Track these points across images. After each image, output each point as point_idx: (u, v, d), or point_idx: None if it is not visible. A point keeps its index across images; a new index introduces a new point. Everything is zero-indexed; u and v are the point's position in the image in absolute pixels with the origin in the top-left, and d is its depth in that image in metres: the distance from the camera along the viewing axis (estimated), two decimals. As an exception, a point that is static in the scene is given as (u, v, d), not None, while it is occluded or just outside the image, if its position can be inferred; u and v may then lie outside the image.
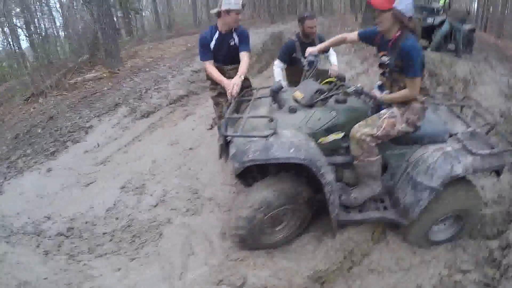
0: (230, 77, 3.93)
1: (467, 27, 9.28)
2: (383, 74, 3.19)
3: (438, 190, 3.00)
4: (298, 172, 3.18)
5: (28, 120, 8.35)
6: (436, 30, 9.32)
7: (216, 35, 4.05)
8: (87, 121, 7.45)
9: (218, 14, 3.96)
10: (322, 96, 3.17)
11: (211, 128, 6.36)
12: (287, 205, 3.15)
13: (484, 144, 3.20)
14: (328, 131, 3.04)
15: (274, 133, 2.85)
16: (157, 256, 3.49)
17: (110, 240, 3.89)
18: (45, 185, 5.39)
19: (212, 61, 4.11)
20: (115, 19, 23.29)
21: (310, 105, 3.19)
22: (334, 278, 3.19)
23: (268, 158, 2.81)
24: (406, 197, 3.13)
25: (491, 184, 4.18)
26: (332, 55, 4.75)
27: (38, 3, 20.27)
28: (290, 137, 2.90)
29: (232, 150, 3.00)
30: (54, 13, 25.50)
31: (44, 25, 21.54)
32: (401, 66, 2.84)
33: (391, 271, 3.27)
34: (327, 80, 3.48)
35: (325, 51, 4.28)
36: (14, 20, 16.84)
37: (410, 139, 3.15)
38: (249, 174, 3.34)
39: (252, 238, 3.20)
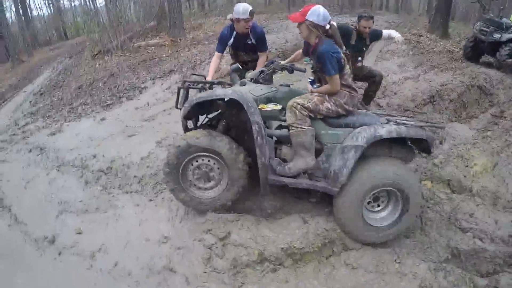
0: (243, 60, 4.88)
1: None
2: (314, 72, 3.70)
3: (363, 147, 3.22)
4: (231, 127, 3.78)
5: (93, 74, 9.38)
6: (502, 47, 8.90)
7: (234, 34, 4.65)
8: (143, 82, 8.31)
9: (232, 20, 4.57)
10: (262, 75, 3.82)
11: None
12: (211, 155, 3.49)
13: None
14: (268, 100, 3.55)
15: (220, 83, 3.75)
16: (169, 202, 4.13)
17: (138, 182, 4.61)
18: (96, 131, 6.30)
19: (220, 54, 4.76)
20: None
21: (256, 81, 3.80)
22: (308, 258, 3.46)
23: (210, 96, 3.48)
24: (335, 163, 3.33)
25: (508, 221, 4.02)
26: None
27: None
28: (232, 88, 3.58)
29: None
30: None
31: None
32: (321, 67, 3.31)
33: (366, 270, 3.34)
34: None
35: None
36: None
37: (343, 123, 3.46)
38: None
39: (175, 182, 3.59)
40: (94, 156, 5.36)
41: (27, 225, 4.16)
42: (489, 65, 9.27)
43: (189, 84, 3.97)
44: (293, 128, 3.33)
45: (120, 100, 7.51)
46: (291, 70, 3.87)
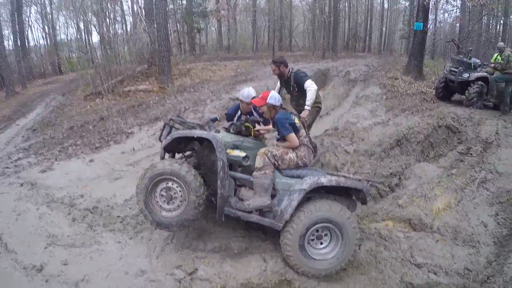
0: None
1: None
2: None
3: (306, 190, 3.94)
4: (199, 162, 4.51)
5: (84, 115, 10.05)
6: (471, 85, 9.44)
7: (239, 113, 5.48)
8: (130, 128, 9.00)
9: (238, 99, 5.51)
10: (233, 126, 4.72)
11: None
12: (178, 179, 4.05)
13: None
14: (235, 147, 4.34)
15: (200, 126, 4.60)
16: (148, 241, 4.77)
17: (121, 222, 5.22)
18: (85, 172, 6.92)
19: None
20: (178, 34, 25.42)
21: (228, 131, 4.69)
22: None
23: (189, 133, 4.25)
24: (282, 203, 4.04)
25: (465, 255, 4.39)
26: (308, 91, 5.51)
27: (112, 5, 22.49)
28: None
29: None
30: (127, 16, 28.10)
31: (115, 27, 23.96)
32: (278, 131, 4.36)
33: None
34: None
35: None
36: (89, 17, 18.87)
37: (295, 174, 4.25)
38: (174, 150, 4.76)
39: (145, 204, 4.20)
40: (82, 196, 5.94)
41: (17, 253, 4.67)
42: (460, 103, 9.76)
43: (173, 122, 4.76)
44: (259, 171, 4.11)
45: (108, 143, 8.17)
46: (255, 122, 4.87)
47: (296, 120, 4.40)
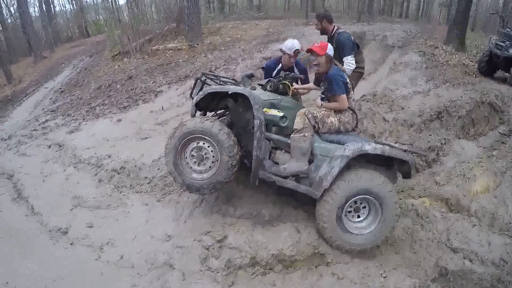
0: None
1: None
2: (323, 92, 4.10)
3: (348, 157, 3.55)
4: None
5: (111, 75, 9.82)
6: None
7: (279, 67, 4.98)
8: (159, 86, 8.69)
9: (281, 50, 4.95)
10: (270, 83, 4.28)
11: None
12: (209, 138, 3.72)
13: None
14: (273, 106, 3.90)
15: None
16: (176, 203, 4.50)
17: (148, 183, 4.97)
18: (112, 132, 6.71)
19: None
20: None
21: (264, 88, 4.25)
22: (298, 266, 3.75)
23: (223, 88, 3.87)
24: (321, 170, 3.66)
25: (501, 244, 4.04)
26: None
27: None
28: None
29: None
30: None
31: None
32: (330, 88, 3.80)
33: (351, 282, 3.50)
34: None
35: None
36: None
37: (335, 139, 3.83)
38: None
39: (175, 165, 3.87)
40: (109, 156, 5.75)
41: (43, 215, 4.57)
42: (503, 80, 9.04)
43: (206, 77, 4.33)
44: (297, 133, 3.71)
45: (136, 102, 7.91)
46: (295, 79, 4.42)
47: (348, 80, 3.93)
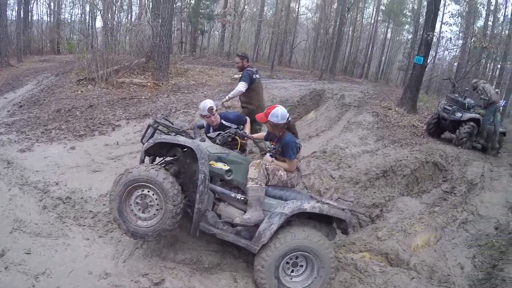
0: None
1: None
2: (272, 149, 4.48)
3: (287, 215, 3.84)
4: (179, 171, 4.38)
5: (73, 100, 9.91)
6: (462, 125, 9.53)
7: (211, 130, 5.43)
8: (118, 120, 8.87)
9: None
10: (219, 137, 4.57)
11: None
12: (154, 187, 3.91)
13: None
14: (219, 160, 4.16)
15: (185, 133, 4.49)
16: (117, 242, 4.64)
17: (92, 218, 5.09)
18: (64, 158, 6.76)
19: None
20: (181, 33, 25.42)
21: (213, 141, 4.52)
22: None
23: (172, 139, 4.13)
24: (261, 226, 3.89)
25: None
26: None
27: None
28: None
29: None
30: (133, 6, 27.99)
31: (119, 16, 23.93)
32: (282, 151, 4.22)
33: None
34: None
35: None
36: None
37: (278, 195, 4.17)
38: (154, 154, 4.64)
39: (119, 212, 4.04)
40: (57, 183, 5.81)
41: (-21, 233, 4.50)
42: (449, 141, 9.87)
43: (158, 125, 4.59)
44: (253, 182, 4.01)
45: (92, 133, 8.02)
46: (242, 137, 4.80)
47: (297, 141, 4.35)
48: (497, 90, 10.36)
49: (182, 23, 26.35)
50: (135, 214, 4.13)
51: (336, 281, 4.39)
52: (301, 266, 4.11)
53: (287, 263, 4.03)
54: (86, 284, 3.92)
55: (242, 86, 6.46)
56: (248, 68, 6.66)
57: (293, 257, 4.02)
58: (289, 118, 4.24)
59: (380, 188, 6.83)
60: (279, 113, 4.13)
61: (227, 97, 6.64)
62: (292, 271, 4.10)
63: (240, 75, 6.69)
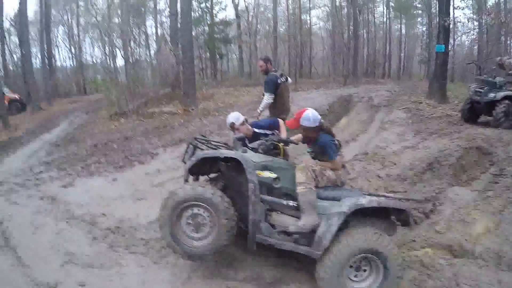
0: None
1: None
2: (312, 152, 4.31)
3: (346, 213, 3.54)
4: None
5: (108, 134, 9.96)
6: (497, 105, 9.16)
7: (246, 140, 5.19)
8: (155, 148, 8.82)
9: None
10: (262, 146, 4.32)
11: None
12: (203, 204, 3.75)
13: None
14: (265, 168, 3.94)
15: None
16: (173, 266, 4.43)
17: (144, 245, 4.90)
18: (107, 190, 6.70)
19: None
20: (200, 60, 25.86)
21: (256, 151, 4.26)
22: None
23: (215, 153, 4.03)
24: (320, 229, 3.61)
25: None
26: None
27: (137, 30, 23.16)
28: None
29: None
30: (150, 41, 28.83)
31: (139, 50, 24.59)
32: (321, 152, 4.05)
33: None
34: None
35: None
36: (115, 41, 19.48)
37: (331, 196, 3.88)
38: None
39: (172, 236, 3.87)
40: (103, 215, 5.68)
41: (31, 268, 4.38)
42: (487, 124, 9.43)
43: (197, 141, 4.43)
44: (302, 187, 3.78)
45: (132, 163, 7.96)
46: (287, 143, 4.54)
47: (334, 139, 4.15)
48: None
49: (200, 50, 26.71)
50: (189, 236, 3.93)
51: (405, 280, 4.06)
52: (364, 270, 3.78)
53: (351, 266, 3.70)
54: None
55: (269, 99, 6.39)
56: (272, 72, 6.54)
57: (357, 261, 3.69)
58: (321, 120, 4.06)
59: (429, 182, 6.52)
60: (311, 116, 3.95)
61: (258, 111, 6.60)
62: (355, 276, 3.77)
63: (264, 84, 6.60)
